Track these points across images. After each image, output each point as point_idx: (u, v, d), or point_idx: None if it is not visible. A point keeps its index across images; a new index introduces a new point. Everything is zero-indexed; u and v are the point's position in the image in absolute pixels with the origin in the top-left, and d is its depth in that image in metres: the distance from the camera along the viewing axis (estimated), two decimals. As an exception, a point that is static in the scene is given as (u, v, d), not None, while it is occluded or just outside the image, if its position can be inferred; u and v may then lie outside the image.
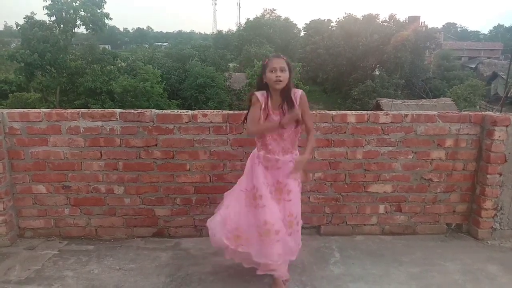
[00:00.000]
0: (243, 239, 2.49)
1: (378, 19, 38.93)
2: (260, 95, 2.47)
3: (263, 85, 2.49)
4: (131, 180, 3.28)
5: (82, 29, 26.11)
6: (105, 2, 26.21)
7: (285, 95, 2.47)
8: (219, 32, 68.45)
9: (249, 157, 2.63)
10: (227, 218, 2.53)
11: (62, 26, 24.73)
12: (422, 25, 40.26)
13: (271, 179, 2.51)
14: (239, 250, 2.49)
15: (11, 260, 2.98)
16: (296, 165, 2.51)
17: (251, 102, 2.49)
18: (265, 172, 2.51)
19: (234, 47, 46.13)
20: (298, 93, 2.52)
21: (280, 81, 2.40)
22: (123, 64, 26.42)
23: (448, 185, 3.44)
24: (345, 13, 43.92)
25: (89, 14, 24.71)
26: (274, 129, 2.48)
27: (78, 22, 24.97)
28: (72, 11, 24.71)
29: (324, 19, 48.64)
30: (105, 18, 26.21)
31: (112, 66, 26.12)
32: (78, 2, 24.97)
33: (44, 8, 24.06)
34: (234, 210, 2.55)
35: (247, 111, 2.57)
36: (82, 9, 24.86)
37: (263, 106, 2.46)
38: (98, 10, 25.64)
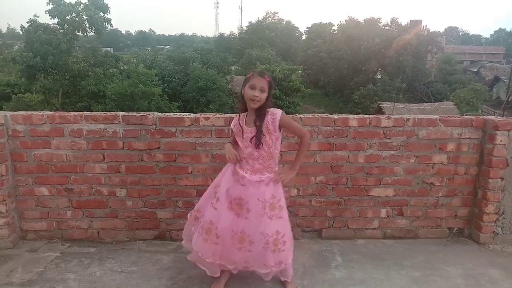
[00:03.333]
0: (198, 222, 2.64)
1: (380, 22, 38.93)
2: (232, 124, 2.62)
3: (242, 98, 2.51)
4: (134, 182, 3.29)
5: (86, 33, 26.17)
6: (109, 8, 26.35)
7: (260, 115, 2.46)
8: (221, 35, 68.70)
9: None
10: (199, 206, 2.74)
11: (65, 29, 24.82)
12: (424, 29, 40.20)
13: (235, 193, 2.51)
14: (192, 229, 2.69)
15: (13, 262, 2.99)
16: (279, 176, 2.53)
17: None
18: (234, 183, 2.54)
19: (236, 50, 46.24)
20: (277, 115, 2.45)
21: (257, 101, 2.42)
22: (125, 67, 26.45)
23: (450, 189, 3.44)
24: (347, 16, 44.06)
25: (89, 18, 24.80)
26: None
27: (80, 25, 25.05)
28: (74, 14, 24.82)
29: (326, 23, 48.98)
30: (106, 23, 26.31)
31: (114, 69, 26.17)
32: (81, 5, 25.09)
33: (47, 12, 24.17)
34: (204, 194, 2.73)
35: None
36: (84, 13, 24.97)
37: (233, 128, 2.59)
38: (102, 14, 25.75)
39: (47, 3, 24.28)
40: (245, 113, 2.56)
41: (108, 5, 26.31)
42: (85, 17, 24.98)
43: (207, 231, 2.52)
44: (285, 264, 2.56)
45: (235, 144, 2.63)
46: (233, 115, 3.26)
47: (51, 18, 24.54)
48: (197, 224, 2.65)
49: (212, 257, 2.54)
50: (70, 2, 24.93)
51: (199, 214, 2.68)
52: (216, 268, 2.62)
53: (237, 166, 2.55)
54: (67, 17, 24.68)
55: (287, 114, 2.62)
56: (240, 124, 2.53)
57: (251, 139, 2.46)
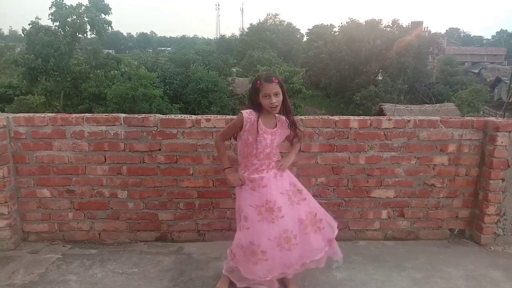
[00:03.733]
0: (235, 255, 2.53)
1: (381, 24, 38.96)
2: (248, 115, 2.46)
3: (256, 105, 2.49)
4: (135, 184, 3.30)
5: (87, 35, 26.26)
6: (110, 9, 26.43)
7: (289, 117, 2.55)
8: (222, 37, 68.76)
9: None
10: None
11: (66, 31, 24.91)
12: (425, 30, 40.23)
13: (259, 200, 2.46)
14: (231, 264, 2.55)
15: (15, 264, 3.00)
16: (279, 165, 2.55)
17: (235, 119, 2.56)
18: (252, 193, 2.49)
19: (237, 52, 46.27)
20: (282, 119, 2.57)
21: (276, 106, 2.43)
22: (126, 69, 26.52)
23: (450, 190, 3.44)
24: (348, 18, 44.03)
25: (90, 20, 24.87)
26: (221, 161, 2.65)
27: (81, 27, 25.13)
28: (75, 16, 24.91)
29: (327, 24, 48.88)
30: (107, 25, 26.38)
31: (116, 71, 26.24)
32: (82, 8, 25.17)
33: (50, 16, 24.28)
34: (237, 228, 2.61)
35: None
36: (85, 15, 25.05)
37: (247, 126, 2.46)
38: (103, 16, 25.83)
39: (50, 7, 24.40)
40: (260, 114, 2.49)
41: (109, 6, 26.39)
42: (86, 19, 25.06)
43: (252, 253, 2.42)
44: (332, 241, 2.58)
45: (227, 139, 2.65)
46: (234, 116, 3.27)
47: (53, 23, 24.66)
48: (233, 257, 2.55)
49: (270, 274, 2.46)
50: (71, 5, 25.03)
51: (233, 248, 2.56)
52: (274, 283, 2.54)
53: (248, 174, 2.52)
54: (68, 19, 24.77)
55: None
56: (258, 125, 2.46)
57: (273, 141, 2.51)
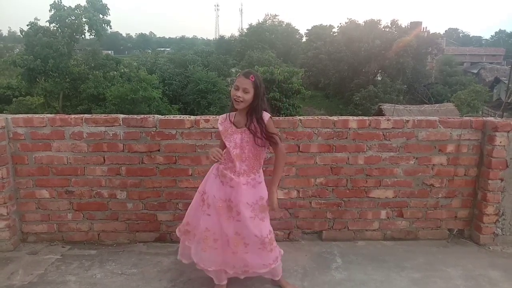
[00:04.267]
0: (191, 235, 2.61)
1: (380, 24, 38.99)
2: (220, 121, 2.58)
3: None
4: (134, 185, 3.30)
5: (84, 36, 26.23)
6: (109, 9, 26.41)
7: (251, 116, 2.48)
8: (222, 37, 68.77)
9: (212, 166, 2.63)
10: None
11: (65, 31, 24.89)
12: (424, 30, 40.27)
13: (224, 195, 2.50)
14: (186, 244, 2.63)
15: (14, 265, 3.00)
16: (265, 206, 2.53)
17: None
18: (220, 185, 2.51)
19: (236, 52, 46.27)
20: (265, 118, 2.47)
21: (240, 101, 2.42)
22: (126, 69, 26.51)
23: (449, 190, 3.44)
24: (347, 18, 44.10)
25: (89, 20, 24.85)
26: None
27: (80, 28, 25.12)
28: (74, 17, 24.90)
29: (326, 25, 48.88)
30: (106, 25, 26.36)
31: (115, 72, 26.22)
32: (81, 9, 25.16)
33: (50, 18, 24.27)
34: (191, 206, 2.67)
35: None
36: (83, 16, 25.04)
37: (221, 130, 2.54)
38: (101, 16, 25.82)
39: (50, 9, 24.39)
40: (234, 113, 2.55)
41: (107, 6, 26.36)
42: (84, 20, 25.04)
43: (204, 239, 2.50)
44: (278, 261, 2.61)
45: (222, 148, 2.62)
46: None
47: (49, 24, 24.64)
48: (191, 238, 2.62)
49: (214, 265, 2.53)
50: (70, 6, 25.01)
51: (189, 227, 2.64)
52: (222, 275, 2.59)
53: (222, 168, 2.51)
54: (67, 20, 24.76)
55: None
56: (229, 123, 2.52)
57: (242, 140, 2.48)
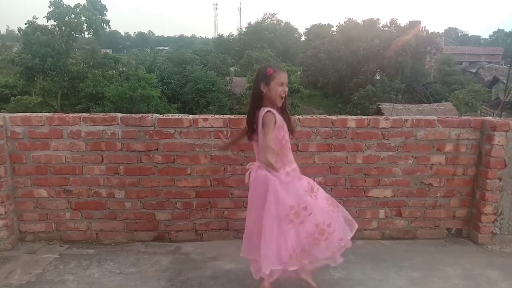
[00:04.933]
0: (301, 253, 2.40)
1: (379, 23, 38.97)
2: (275, 113, 2.35)
3: (259, 99, 2.40)
4: (132, 184, 3.29)
5: (83, 35, 26.19)
6: (107, 10, 26.37)
7: (285, 109, 2.50)
8: (220, 36, 68.75)
9: (261, 182, 2.41)
10: (280, 250, 2.39)
11: (63, 30, 24.84)
12: (423, 30, 40.29)
13: (304, 186, 2.47)
14: (303, 264, 2.45)
15: (12, 264, 2.99)
16: None
17: (269, 122, 2.31)
18: (294, 184, 2.43)
19: (235, 51, 46.29)
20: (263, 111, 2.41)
21: (284, 96, 2.43)
22: (124, 68, 26.47)
23: (448, 190, 3.44)
24: (345, 17, 44.06)
25: (88, 19, 24.81)
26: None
27: (78, 27, 25.08)
28: (73, 16, 24.85)
29: (325, 24, 48.98)
30: (105, 24, 26.32)
31: (113, 71, 26.19)
32: (80, 7, 25.11)
33: (47, 14, 24.20)
34: (280, 242, 2.38)
35: (267, 128, 2.32)
36: (82, 14, 24.99)
37: (278, 123, 2.36)
38: (100, 16, 25.78)
39: (49, 5, 24.33)
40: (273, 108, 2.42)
41: (106, 6, 26.31)
42: (83, 19, 24.99)
43: (322, 232, 2.40)
44: None
45: (243, 140, 2.67)
46: (232, 116, 3.27)
47: (48, 21, 24.60)
48: (304, 255, 2.41)
49: (329, 251, 2.49)
50: (68, 5, 24.96)
51: (298, 251, 2.40)
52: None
53: (288, 169, 2.46)
54: (66, 19, 24.70)
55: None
56: (279, 119, 2.40)
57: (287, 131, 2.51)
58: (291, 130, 2.54)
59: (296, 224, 2.39)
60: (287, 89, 2.45)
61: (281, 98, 2.42)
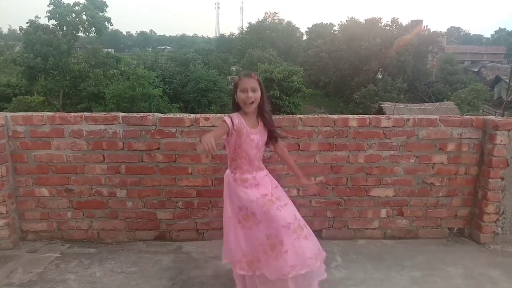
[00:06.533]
0: (255, 262, 2.36)
1: (381, 23, 38.89)
2: (231, 120, 2.36)
3: (236, 105, 2.45)
4: (134, 183, 3.29)
5: (84, 33, 26.21)
6: (107, 6, 26.37)
7: (265, 117, 2.47)
8: (222, 35, 68.75)
9: (224, 182, 2.54)
10: (230, 250, 2.46)
11: (64, 29, 24.87)
12: (425, 29, 40.21)
13: (256, 194, 2.41)
14: (257, 274, 2.36)
15: (13, 263, 3.00)
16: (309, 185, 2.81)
17: (219, 126, 2.42)
18: (246, 192, 2.42)
19: (237, 50, 46.29)
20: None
21: (252, 102, 2.36)
22: (126, 68, 26.49)
23: (450, 189, 3.43)
24: (347, 17, 44.03)
25: (89, 18, 24.82)
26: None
27: (80, 26, 25.10)
28: (74, 15, 24.87)
29: (327, 23, 48.93)
30: (106, 22, 26.34)
31: (115, 70, 26.21)
32: (80, 6, 25.13)
33: (47, 13, 24.23)
34: (232, 239, 2.45)
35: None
36: (83, 13, 25.00)
37: (233, 131, 2.36)
38: (101, 14, 25.79)
39: (48, 4, 24.35)
40: (242, 116, 2.42)
41: (106, 3, 26.30)
42: (84, 17, 25.00)
43: (271, 247, 2.29)
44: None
45: (216, 139, 2.50)
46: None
47: (49, 20, 24.63)
48: (256, 265, 2.35)
49: (292, 269, 2.26)
50: (68, 4, 24.99)
51: (251, 257, 2.37)
52: (298, 280, 2.34)
53: (239, 175, 2.44)
54: (67, 18, 24.73)
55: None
56: (243, 127, 2.39)
57: (259, 140, 2.46)
58: (273, 137, 2.53)
59: (245, 226, 2.39)
60: (253, 95, 2.35)
61: (248, 104, 2.36)
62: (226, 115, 2.47)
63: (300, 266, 2.26)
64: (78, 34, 25.92)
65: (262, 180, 2.49)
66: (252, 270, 2.37)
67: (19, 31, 26.83)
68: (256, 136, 2.45)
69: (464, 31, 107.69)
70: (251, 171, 2.47)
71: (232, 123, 2.37)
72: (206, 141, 2.12)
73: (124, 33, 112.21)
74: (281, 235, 2.28)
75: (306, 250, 2.30)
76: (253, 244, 2.37)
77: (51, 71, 24.27)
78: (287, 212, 2.37)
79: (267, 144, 2.56)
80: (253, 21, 52.75)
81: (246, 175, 2.46)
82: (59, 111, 17.72)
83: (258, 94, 2.38)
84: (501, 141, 3.22)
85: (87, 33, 26.14)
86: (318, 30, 46.15)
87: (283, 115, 3.63)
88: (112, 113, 3.25)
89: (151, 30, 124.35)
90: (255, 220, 2.37)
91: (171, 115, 3.28)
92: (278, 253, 2.27)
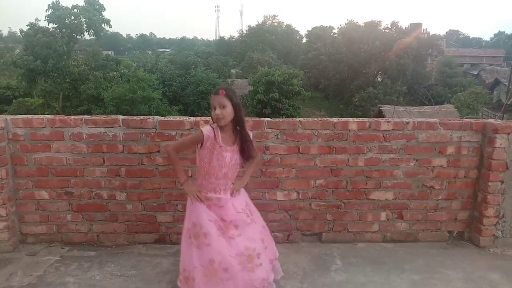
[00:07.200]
0: (191, 280, 2.35)
1: (380, 26, 39.03)
2: (209, 132, 2.36)
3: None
4: (133, 186, 3.29)
5: (84, 35, 26.24)
6: (104, 9, 26.40)
7: (243, 135, 2.42)
8: (222, 38, 68.88)
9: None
10: (184, 261, 2.46)
11: (63, 32, 24.88)
12: (424, 32, 40.32)
13: (215, 216, 2.39)
14: None
15: (13, 266, 2.99)
16: (234, 186, 2.49)
17: (194, 134, 2.46)
18: (209, 210, 2.40)
19: (237, 53, 46.37)
20: (251, 136, 2.49)
21: (221, 118, 2.32)
22: (126, 70, 26.51)
23: (449, 192, 3.43)
24: (347, 20, 44.07)
25: (88, 20, 24.85)
26: (177, 174, 2.54)
27: (79, 28, 25.12)
28: (73, 17, 24.89)
29: (326, 26, 48.94)
30: (105, 24, 26.37)
31: (114, 73, 26.22)
32: (78, 8, 25.16)
33: (46, 17, 24.26)
34: (183, 250, 2.46)
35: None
36: (82, 16, 25.03)
37: (207, 143, 2.36)
38: (100, 16, 25.83)
39: (47, 9, 24.40)
40: (219, 130, 2.38)
41: (104, 6, 26.34)
42: (83, 19, 25.02)
43: (213, 273, 2.28)
44: (274, 261, 2.60)
45: (181, 152, 2.60)
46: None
47: (48, 24, 24.65)
48: (193, 284, 2.34)
49: None
50: (67, 7, 25.01)
51: (188, 274, 2.37)
52: None
53: (203, 192, 2.43)
54: (66, 21, 24.75)
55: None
56: (217, 142, 2.36)
57: (232, 159, 2.41)
58: (245, 156, 2.45)
59: (195, 244, 2.36)
60: (221, 111, 2.31)
61: (217, 120, 2.34)
62: (209, 124, 2.45)
63: None
64: (77, 37, 25.91)
65: (227, 203, 2.42)
66: (188, 286, 2.37)
67: (19, 34, 26.83)
68: (228, 154, 2.39)
69: (463, 34, 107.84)
70: (217, 191, 2.42)
71: (209, 136, 2.35)
72: (193, 195, 2.39)
73: (124, 35, 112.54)
74: (227, 265, 2.29)
75: (254, 282, 2.33)
76: (195, 263, 2.33)
77: (51, 73, 24.25)
78: (243, 243, 2.36)
79: (244, 162, 2.50)
80: (253, 24, 53.02)
81: (211, 194, 2.42)
82: (59, 114, 17.72)
83: (227, 110, 2.32)
84: (500, 144, 3.22)
85: (84, 36, 26.13)
86: (317, 33, 46.22)
87: (282, 118, 3.62)
88: (112, 116, 3.25)
89: (151, 32, 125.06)
90: (204, 241, 2.33)
91: (171, 118, 3.28)
92: (220, 279, 2.28)
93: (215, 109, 2.34)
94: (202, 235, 2.34)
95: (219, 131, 2.38)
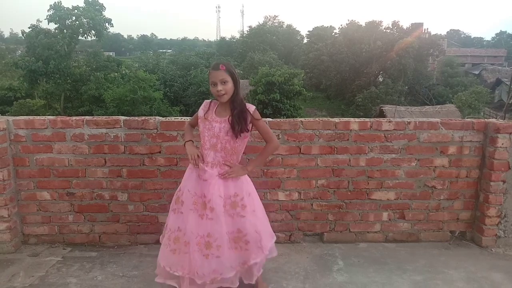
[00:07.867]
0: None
1: (381, 26, 39.01)
2: (205, 103, 2.49)
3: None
4: (135, 187, 3.30)
5: (85, 36, 26.28)
6: (105, 9, 26.44)
7: (235, 107, 2.36)
8: (223, 39, 68.92)
9: None
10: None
11: (65, 32, 24.93)
12: (425, 32, 40.28)
13: (200, 190, 2.38)
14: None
15: (15, 267, 3.00)
16: (230, 170, 2.40)
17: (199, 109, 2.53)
18: (196, 179, 2.40)
19: (238, 54, 46.40)
20: (250, 110, 2.40)
21: (223, 94, 2.31)
22: (127, 71, 26.56)
23: (451, 192, 3.43)
24: (348, 20, 43.94)
25: (90, 20, 24.88)
26: (184, 137, 2.66)
27: (80, 29, 25.17)
28: (74, 18, 24.94)
29: (327, 26, 48.94)
30: (107, 23, 26.40)
31: (116, 73, 26.26)
32: (80, 9, 25.20)
33: (47, 17, 24.31)
34: (171, 209, 2.57)
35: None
36: (83, 16, 25.08)
37: (201, 113, 2.44)
38: (100, 16, 25.88)
39: (48, 9, 24.45)
40: (217, 104, 2.44)
41: (104, 6, 26.38)
42: (84, 20, 25.06)
43: (175, 240, 2.36)
44: (247, 265, 2.43)
45: (192, 127, 2.64)
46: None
47: (48, 24, 24.72)
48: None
49: (181, 270, 2.33)
50: (68, 8, 25.06)
51: (165, 231, 2.51)
52: (185, 282, 2.35)
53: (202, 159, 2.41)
54: (67, 21, 24.80)
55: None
56: (211, 111, 2.42)
57: (221, 130, 2.36)
58: (236, 130, 2.35)
59: (173, 207, 2.50)
60: (223, 87, 2.30)
61: (220, 96, 2.32)
62: (207, 100, 2.55)
63: (191, 273, 2.32)
64: (78, 38, 25.96)
65: (211, 178, 2.37)
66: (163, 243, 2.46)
67: (21, 35, 26.88)
68: (217, 124, 2.36)
69: (464, 34, 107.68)
70: (206, 163, 2.39)
71: (204, 106, 2.48)
72: (191, 154, 2.41)
73: (125, 36, 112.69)
74: (188, 237, 2.34)
75: (204, 269, 2.32)
76: (168, 224, 2.49)
77: (52, 74, 24.33)
78: (210, 225, 2.33)
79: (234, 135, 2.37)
80: (254, 25, 52.98)
81: (202, 163, 2.40)
82: (60, 115, 17.75)
83: (229, 85, 2.32)
84: (502, 144, 3.21)
85: (87, 36, 26.16)
86: (318, 33, 46.22)
87: (284, 118, 3.62)
88: (113, 116, 3.26)
89: (152, 33, 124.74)
90: (180, 208, 2.42)
91: (172, 118, 3.28)
92: (179, 249, 2.36)
93: (215, 85, 2.32)
94: (180, 202, 2.44)
95: (217, 104, 2.44)
